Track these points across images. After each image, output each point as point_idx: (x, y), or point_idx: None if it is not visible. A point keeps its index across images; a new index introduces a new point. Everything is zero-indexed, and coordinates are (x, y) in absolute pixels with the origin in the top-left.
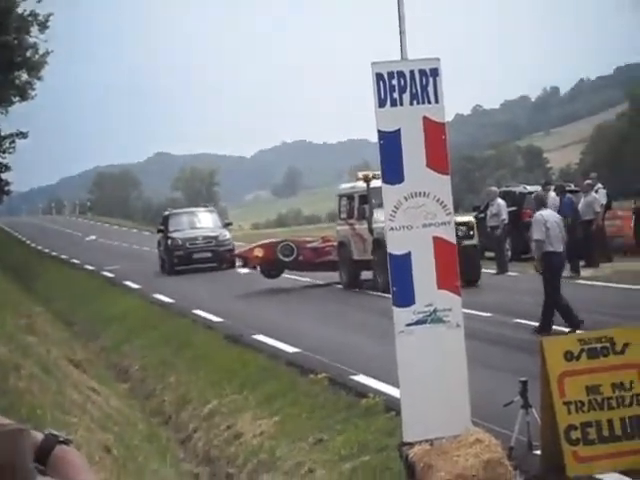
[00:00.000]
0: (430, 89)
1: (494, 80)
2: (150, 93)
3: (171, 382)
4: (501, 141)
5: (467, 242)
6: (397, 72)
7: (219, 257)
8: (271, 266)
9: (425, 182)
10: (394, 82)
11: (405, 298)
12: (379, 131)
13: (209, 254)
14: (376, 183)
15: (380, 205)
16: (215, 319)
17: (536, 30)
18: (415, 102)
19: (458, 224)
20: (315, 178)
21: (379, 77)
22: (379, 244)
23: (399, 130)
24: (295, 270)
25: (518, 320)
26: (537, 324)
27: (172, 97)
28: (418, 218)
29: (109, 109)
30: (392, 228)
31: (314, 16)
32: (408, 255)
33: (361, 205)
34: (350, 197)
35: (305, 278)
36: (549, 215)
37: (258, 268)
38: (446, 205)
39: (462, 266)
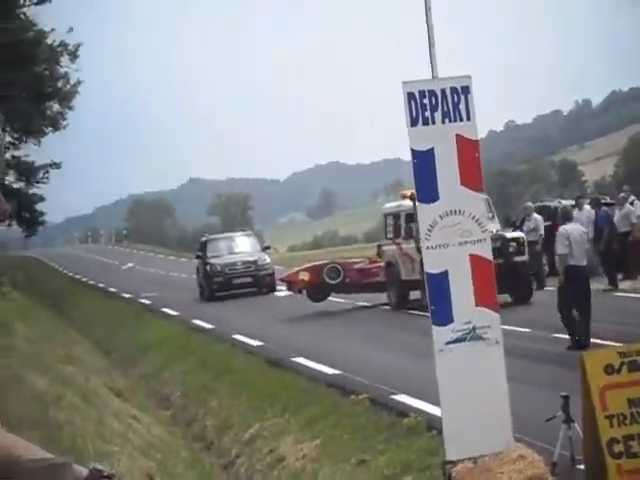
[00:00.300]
0: (462, 107)
1: (526, 95)
2: (183, 119)
3: (212, 407)
4: (535, 156)
5: (518, 258)
6: (428, 91)
7: (259, 282)
8: (317, 289)
9: (460, 200)
10: (426, 101)
11: (444, 316)
12: (412, 150)
13: (249, 279)
14: None
15: None
16: (255, 343)
17: (566, 43)
18: (447, 120)
19: (509, 240)
20: (350, 199)
21: (410, 96)
22: None
23: (432, 149)
24: (342, 293)
25: (557, 335)
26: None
27: (205, 122)
28: (454, 236)
29: (142, 137)
30: (428, 247)
31: (343, 36)
32: (445, 273)
33: (408, 224)
34: (396, 216)
35: (349, 300)
36: (572, 229)
37: (304, 292)
38: (481, 222)
39: (513, 282)
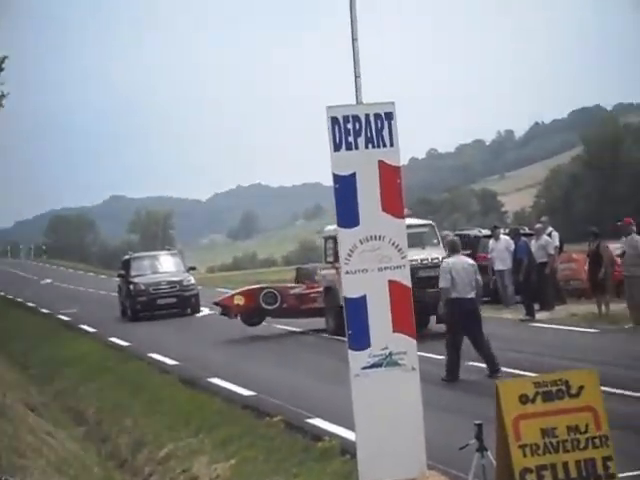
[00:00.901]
0: (385, 133)
1: (449, 124)
2: (106, 136)
3: (127, 425)
4: (456, 185)
5: None
6: (352, 116)
7: (184, 302)
8: (253, 314)
9: (380, 226)
10: (349, 126)
11: (361, 341)
12: (334, 175)
13: (174, 300)
14: None
15: None
16: (171, 362)
17: (489, 74)
18: (370, 146)
19: None
20: (270, 221)
21: (334, 121)
22: None
23: (354, 174)
24: (279, 318)
25: (472, 363)
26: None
27: (127, 140)
28: (373, 261)
29: (64, 152)
30: (347, 272)
31: (268, 61)
32: (363, 298)
33: None
34: (336, 239)
35: (282, 325)
36: (455, 262)
37: (239, 317)
38: (401, 249)
39: None
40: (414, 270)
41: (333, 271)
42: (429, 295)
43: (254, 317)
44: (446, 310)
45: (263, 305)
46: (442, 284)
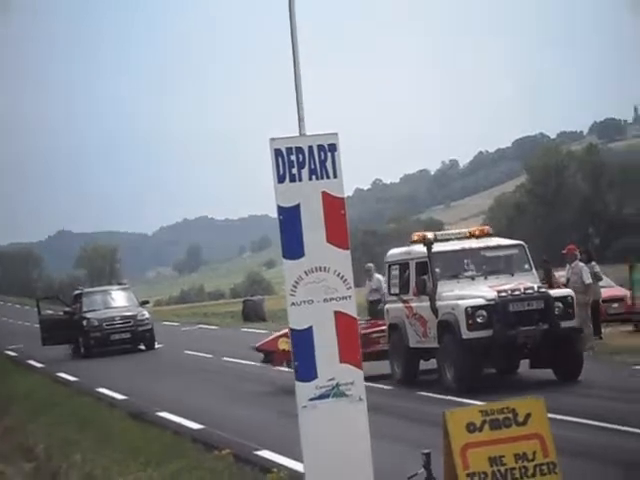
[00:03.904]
0: (329, 164)
1: (393, 154)
2: (51, 171)
3: (76, 460)
4: (402, 215)
5: (566, 323)
6: (295, 148)
7: (138, 337)
8: None
9: (325, 257)
10: (293, 158)
11: (307, 372)
12: (279, 206)
13: (128, 335)
14: (441, 247)
15: (447, 276)
16: (119, 397)
17: (433, 103)
18: (314, 177)
19: (555, 299)
20: (217, 254)
21: (278, 153)
22: (447, 327)
23: (299, 205)
24: None
25: (421, 392)
26: (441, 397)
27: (74, 175)
28: (319, 293)
29: (8, 187)
30: (293, 303)
31: (211, 94)
32: (310, 330)
33: (420, 276)
34: (404, 265)
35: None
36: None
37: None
38: (346, 279)
39: (559, 354)
40: (502, 304)
41: (400, 305)
42: (522, 334)
43: None
44: None
45: None
46: None
